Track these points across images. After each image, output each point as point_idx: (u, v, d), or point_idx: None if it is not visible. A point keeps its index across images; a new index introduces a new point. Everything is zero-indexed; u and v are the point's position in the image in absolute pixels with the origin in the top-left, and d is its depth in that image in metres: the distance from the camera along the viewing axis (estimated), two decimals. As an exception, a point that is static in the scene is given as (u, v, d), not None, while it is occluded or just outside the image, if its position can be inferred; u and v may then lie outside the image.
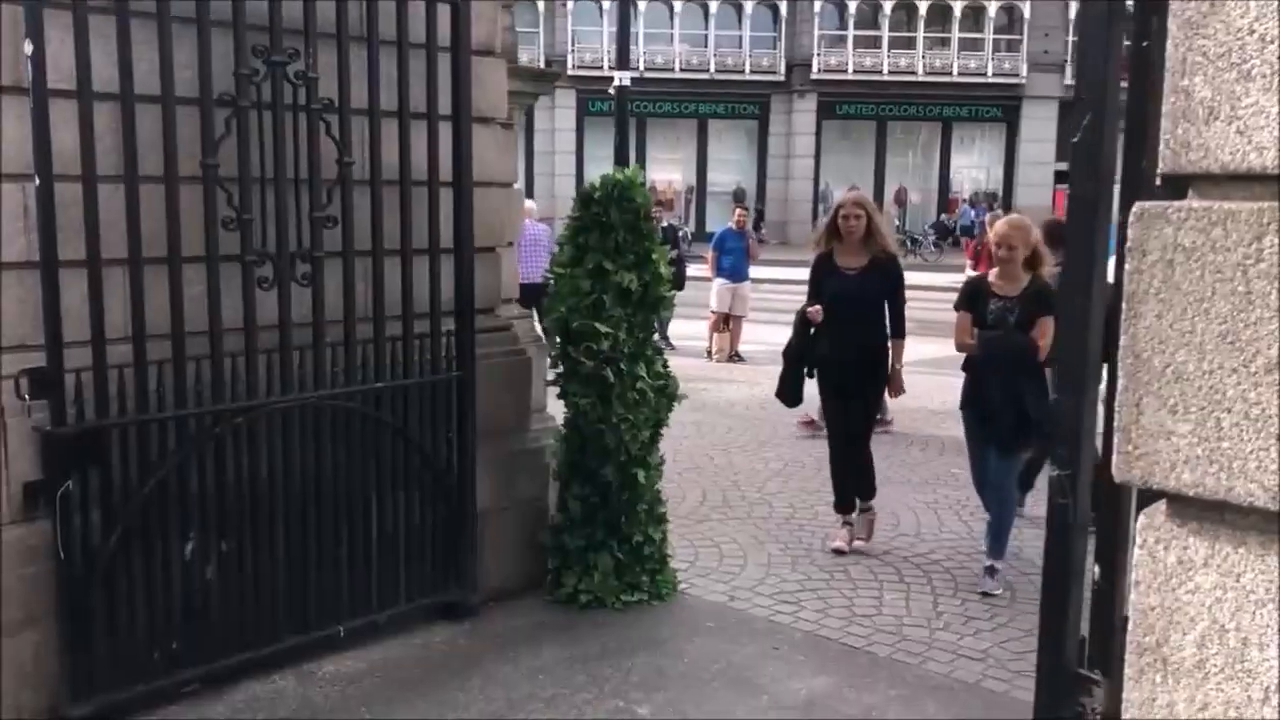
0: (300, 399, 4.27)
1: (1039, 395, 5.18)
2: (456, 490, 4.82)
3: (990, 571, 5.49)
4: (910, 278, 21.69)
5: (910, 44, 34.15)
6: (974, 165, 36.53)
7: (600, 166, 34.85)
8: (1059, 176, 34.76)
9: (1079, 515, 1.47)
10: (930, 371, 13.10)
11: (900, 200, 34.77)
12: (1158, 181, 1.60)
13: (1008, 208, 33.14)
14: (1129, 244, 1.17)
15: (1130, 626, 1.22)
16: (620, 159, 13.32)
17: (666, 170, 33.73)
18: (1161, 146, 1.15)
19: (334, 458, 4.41)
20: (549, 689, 4.27)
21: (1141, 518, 1.22)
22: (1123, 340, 1.18)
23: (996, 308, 5.47)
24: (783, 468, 7.73)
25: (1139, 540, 1.21)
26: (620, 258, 4.93)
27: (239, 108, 4.00)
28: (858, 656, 4.66)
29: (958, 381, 13.80)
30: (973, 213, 34.82)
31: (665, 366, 5.15)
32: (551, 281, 5.16)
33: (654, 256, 5.01)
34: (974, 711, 4.19)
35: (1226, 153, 1.10)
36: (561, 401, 5.10)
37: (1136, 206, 1.17)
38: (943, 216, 34.75)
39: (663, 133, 34.03)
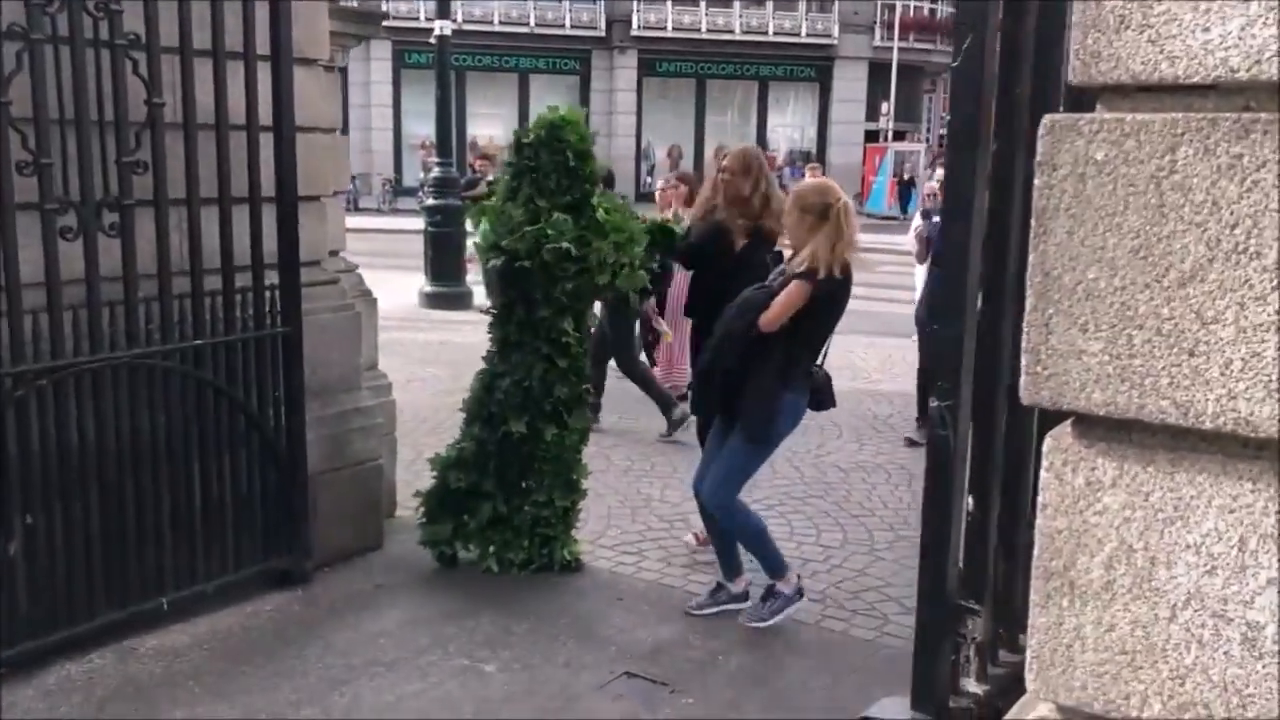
0: (111, 359, 3.96)
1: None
2: (286, 451, 4.60)
3: (769, 595, 4.48)
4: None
5: (727, 2, 34.45)
6: (789, 124, 37.28)
7: (418, 120, 33.98)
8: (869, 136, 35.88)
9: (959, 446, 1.46)
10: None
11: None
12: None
13: (822, 166, 34.06)
14: (1038, 159, 1.14)
15: (1036, 551, 1.21)
16: (443, 112, 12.96)
17: (488, 125, 33.14)
18: (1071, 57, 1.12)
19: (152, 420, 4.12)
20: (391, 653, 4.13)
21: (1048, 440, 1.21)
22: (1031, 258, 1.16)
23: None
24: (618, 420, 7.72)
25: (1045, 463, 1.20)
26: (555, 199, 4.66)
27: (31, 41, 3.64)
28: (702, 604, 4.69)
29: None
30: (789, 173, 35.60)
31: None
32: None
33: (594, 202, 4.68)
34: (814, 650, 4.28)
35: (1138, 63, 1.08)
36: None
37: (1046, 119, 1.14)
38: None
39: (483, 87, 33.41)
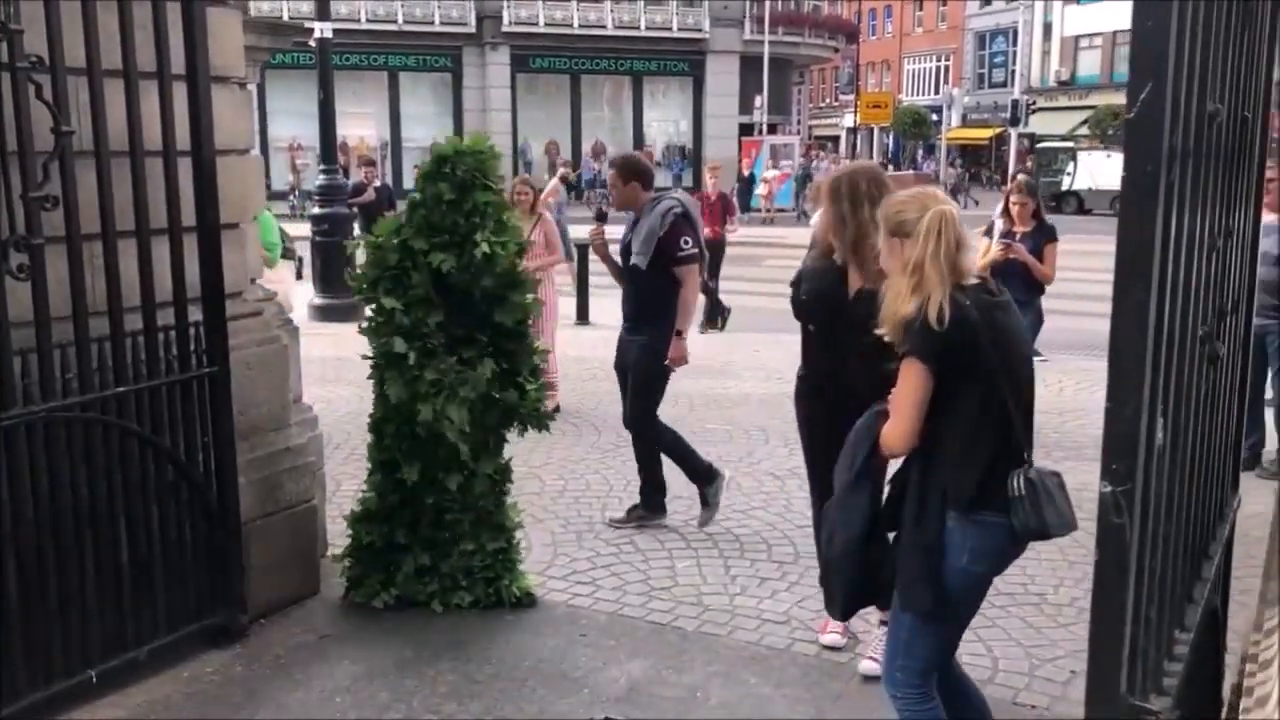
0: (26, 414, 3.59)
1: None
2: (217, 500, 4.27)
3: None
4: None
5: (599, -3, 34.34)
6: (665, 119, 37.39)
7: (286, 120, 32.95)
8: (743, 129, 36.24)
9: (1134, 538, 1.34)
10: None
11: (598, 154, 35.07)
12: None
13: (698, 161, 34.21)
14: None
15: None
16: (325, 118, 12.50)
17: (358, 125, 32.34)
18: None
19: (72, 478, 3.76)
20: (351, 712, 3.87)
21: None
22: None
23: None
24: (541, 438, 7.46)
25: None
26: (434, 235, 4.42)
27: (-76, 66, 3.27)
28: (666, 634, 4.52)
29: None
30: (672, 168, 35.65)
31: (531, 377, 4.65)
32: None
33: (476, 237, 4.39)
34: (792, 679, 4.15)
35: None
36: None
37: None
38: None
39: (351, 86, 32.44)
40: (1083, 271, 10.72)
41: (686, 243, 5.54)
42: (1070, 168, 35.08)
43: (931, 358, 2.84)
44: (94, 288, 3.82)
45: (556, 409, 8.18)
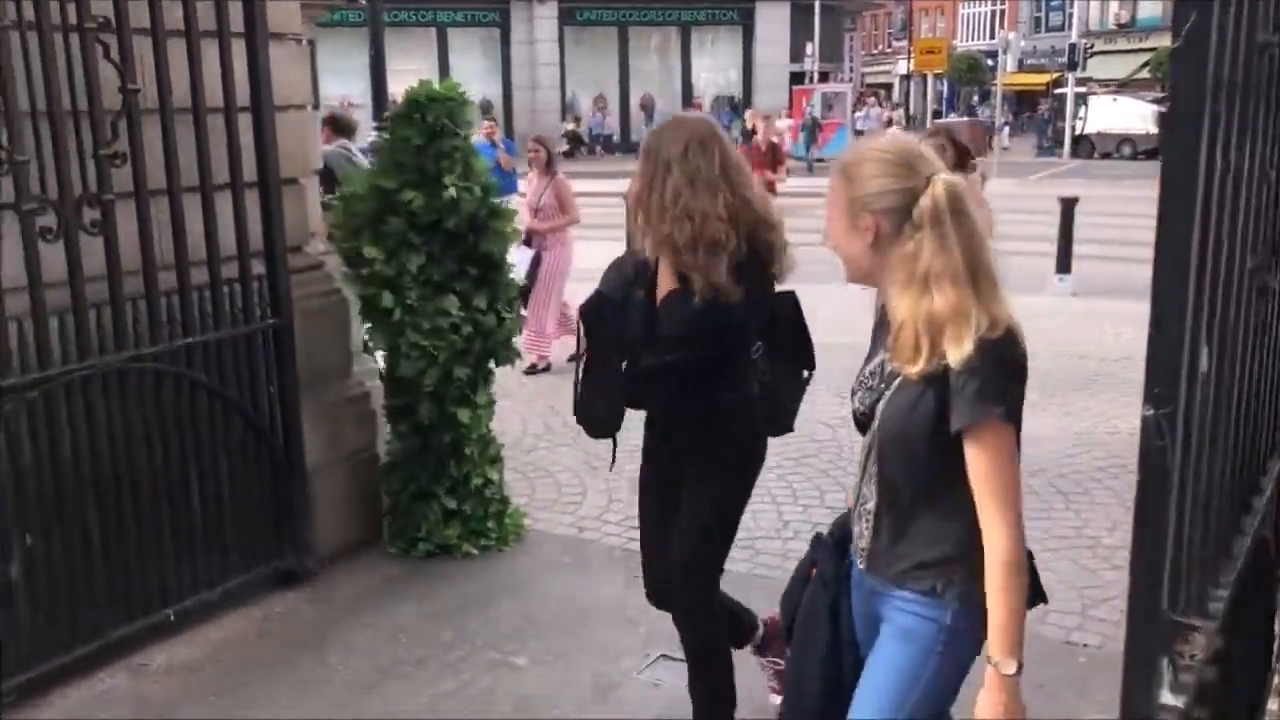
0: (101, 365, 3.73)
1: None
2: (283, 448, 4.41)
3: None
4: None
5: (646, -53, 33.96)
6: (714, 69, 37.01)
7: (336, 79, 33.04)
8: (794, 78, 35.81)
9: (1176, 460, 1.38)
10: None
11: (645, 106, 34.89)
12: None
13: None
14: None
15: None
16: (377, 74, 12.59)
17: (407, 82, 32.32)
18: None
19: (145, 427, 3.91)
20: (416, 650, 4.00)
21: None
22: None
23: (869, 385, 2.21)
24: (595, 388, 7.57)
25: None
26: (402, 175, 4.53)
27: (-3, 28, 3.38)
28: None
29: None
30: (722, 119, 35.35)
31: (507, 308, 4.76)
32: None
33: (445, 180, 4.47)
34: (844, 619, 4.22)
35: None
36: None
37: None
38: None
39: (400, 43, 32.42)
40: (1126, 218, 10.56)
41: None
42: (1082, 113, 35.02)
43: (1007, 411, 1.94)
44: (160, 242, 3.94)
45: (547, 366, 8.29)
